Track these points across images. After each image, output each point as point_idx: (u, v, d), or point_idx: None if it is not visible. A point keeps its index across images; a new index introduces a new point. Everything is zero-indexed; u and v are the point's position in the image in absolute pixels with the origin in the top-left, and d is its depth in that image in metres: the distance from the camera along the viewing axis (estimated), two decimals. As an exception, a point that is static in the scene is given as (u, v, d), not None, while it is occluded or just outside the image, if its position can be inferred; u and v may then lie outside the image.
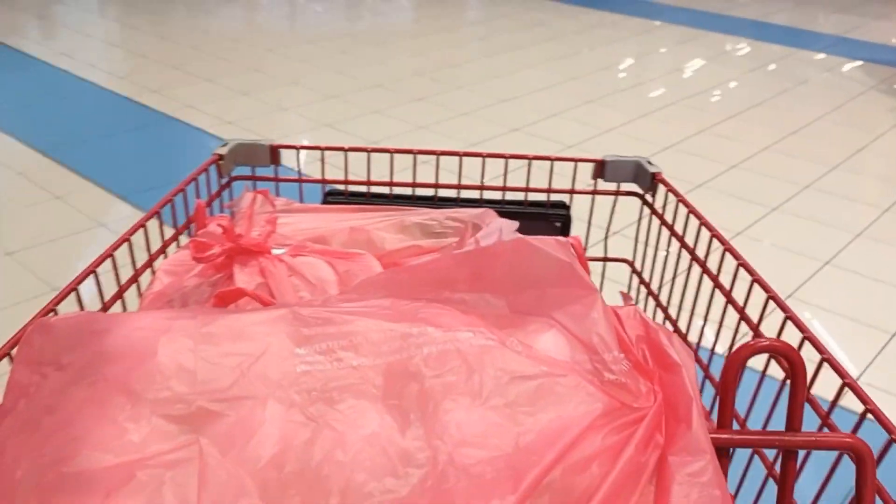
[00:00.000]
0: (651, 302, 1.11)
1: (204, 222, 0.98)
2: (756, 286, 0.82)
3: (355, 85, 3.63)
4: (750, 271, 0.83)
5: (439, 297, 0.51)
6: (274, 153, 1.10)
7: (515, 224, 0.56)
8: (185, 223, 0.98)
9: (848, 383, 0.60)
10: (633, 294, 1.17)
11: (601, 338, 0.50)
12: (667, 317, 1.07)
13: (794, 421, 0.53)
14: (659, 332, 0.53)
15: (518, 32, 4.44)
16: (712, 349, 0.95)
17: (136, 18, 4.50)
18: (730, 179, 2.77)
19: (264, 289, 0.87)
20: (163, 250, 0.93)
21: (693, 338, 1.01)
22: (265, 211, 0.96)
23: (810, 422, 0.69)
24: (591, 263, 1.19)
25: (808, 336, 0.71)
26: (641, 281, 1.14)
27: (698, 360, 0.92)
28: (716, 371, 0.95)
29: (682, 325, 1.04)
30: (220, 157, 1.06)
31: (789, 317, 0.74)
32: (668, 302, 1.07)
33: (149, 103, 3.34)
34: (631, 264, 1.18)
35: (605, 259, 1.19)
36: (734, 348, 0.52)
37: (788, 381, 0.53)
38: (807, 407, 0.60)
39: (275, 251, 0.92)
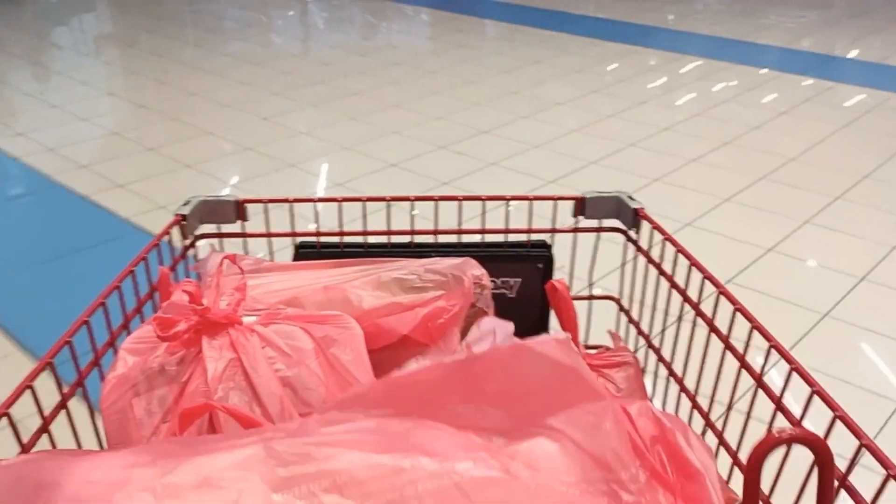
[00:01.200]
0: (641, 340, 1.07)
1: (168, 291, 0.93)
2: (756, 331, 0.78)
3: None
4: (748, 317, 0.79)
5: (432, 411, 0.47)
6: (240, 209, 1.05)
7: (510, 325, 0.52)
8: (147, 294, 0.92)
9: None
10: (621, 332, 1.13)
11: (616, 453, 0.45)
12: (659, 358, 1.03)
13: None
14: (675, 431, 0.48)
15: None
16: (711, 400, 0.91)
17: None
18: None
19: (236, 364, 0.81)
20: (125, 326, 0.87)
21: (690, 382, 0.97)
22: (233, 276, 0.90)
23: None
24: (576, 303, 1.15)
25: (817, 391, 0.67)
26: (630, 319, 1.10)
27: (719, 438, 0.88)
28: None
29: (678, 367, 1.00)
30: (183, 217, 1.00)
31: (795, 368, 0.71)
32: (662, 342, 1.03)
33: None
34: (618, 302, 1.14)
35: (591, 297, 1.15)
36: (762, 439, 0.48)
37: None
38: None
39: (246, 319, 0.86)
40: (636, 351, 1.08)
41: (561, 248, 1.13)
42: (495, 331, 0.50)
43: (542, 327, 1.15)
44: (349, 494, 0.39)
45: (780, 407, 0.73)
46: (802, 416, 0.70)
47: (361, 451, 0.41)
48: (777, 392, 0.74)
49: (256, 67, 4.22)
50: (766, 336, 0.76)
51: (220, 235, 1.06)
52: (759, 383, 0.77)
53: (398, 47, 4.52)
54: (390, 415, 0.47)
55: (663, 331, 1.02)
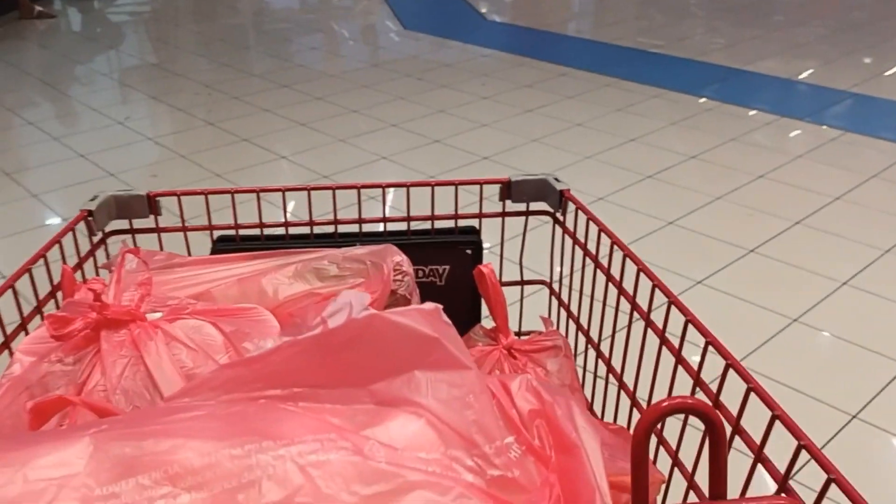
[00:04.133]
0: (573, 325, 1.06)
1: (72, 290, 0.88)
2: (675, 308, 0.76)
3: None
4: (666, 293, 0.77)
5: (287, 392, 0.44)
6: (152, 203, 1.01)
7: (367, 297, 0.49)
8: (48, 293, 0.88)
9: (805, 444, 0.53)
10: (554, 317, 1.11)
11: (480, 427, 0.43)
12: (588, 341, 1.01)
13: (717, 487, 0.47)
14: (555, 405, 0.46)
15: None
16: (636, 378, 0.90)
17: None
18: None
19: (138, 362, 0.77)
20: (22, 327, 0.83)
21: (617, 361, 0.95)
22: (139, 272, 0.86)
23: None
24: (507, 289, 1.13)
25: (732, 364, 0.65)
26: (560, 303, 1.08)
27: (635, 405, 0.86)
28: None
29: (606, 347, 0.98)
30: (89, 212, 0.95)
31: (710, 342, 0.69)
32: (590, 324, 1.01)
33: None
34: (549, 286, 1.12)
35: (523, 282, 1.13)
36: (646, 408, 0.46)
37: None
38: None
39: (150, 316, 0.83)
40: (566, 336, 1.06)
41: (492, 233, 1.11)
42: (352, 303, 0.47)
43: (475, 314, 1.13)
44: (183, 485, 0.36)
45: (697, 382, 0.71)
46: (719, 391, 0.68)
47: (199, 440, 0.38)
48: (695, 367, 0.72)
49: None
50: (682, 310, 0.74)
51: (131, 231, 1.02)
52: (678, 359, 0.75)
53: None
54: (240, 399, 0.44)
55: (591, 313, 1.00)
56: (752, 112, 3.42)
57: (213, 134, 3.28)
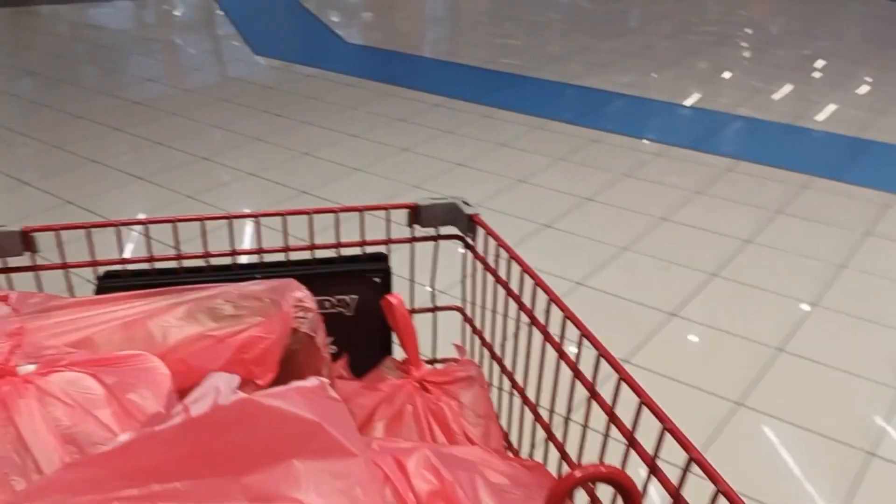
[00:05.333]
0: (486, 352, 1.02)
1: (-68, 341, 0.79)
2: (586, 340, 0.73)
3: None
4: (577, 325, 0.75)
5: (145, 492, 0.38)
6: (27, 239, 0.92)
7: (236, 379, 0.44)
8: None
9: (723, 490, 0.51)
10: (466, 344, 1.07)
11: None
12: (502, 369, 0.98)
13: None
14: (456, 484, 0.42)
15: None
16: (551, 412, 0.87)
17: None
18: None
19: (7, 423, 0.69)
20: None
21: (532, 392, 0.92)
22: (7, 318, 0.78)
23: None
24: (421, 315, 1.09)
25: (646, 402, 0.63)
26: (474, 329, 1.05)
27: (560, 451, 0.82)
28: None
29: (520, 377, 0.95)
30: (-46, 253, 0.86)
31: (623, 378, 0.66)
32: (503, 350, 0.98)
33: None
34: (462, 312, 1.08)
35: (435, 309, 1.09)
36: (560, 479, 0.42)
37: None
38: None
39: (22, 369, 0.75)
40: (482, 362, 1.02)
41: (402, 260, 1.06)
42: (219, 387, 0.42)
43: (387, 344, 1.08)
44: None
45: (612, 418, 0.69)
46: (634, 427, 0.66)
47: None
48: (610, 402, 0.70)
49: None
50: (595, 344, 0.71)
51: (6, 271, 0.93)
52: (592, 393, 0.72)
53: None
54: (96, 499, 0.38)
55: (504, 340, 0.97)
56: (645, 142, 3.27)
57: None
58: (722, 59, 4.53)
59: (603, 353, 0.69)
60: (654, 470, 0.61)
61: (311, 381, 0.43)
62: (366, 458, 0.40)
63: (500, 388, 1.00)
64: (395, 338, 1.04)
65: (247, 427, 0.40)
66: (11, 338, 0.76)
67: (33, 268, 0.94)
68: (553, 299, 0.80)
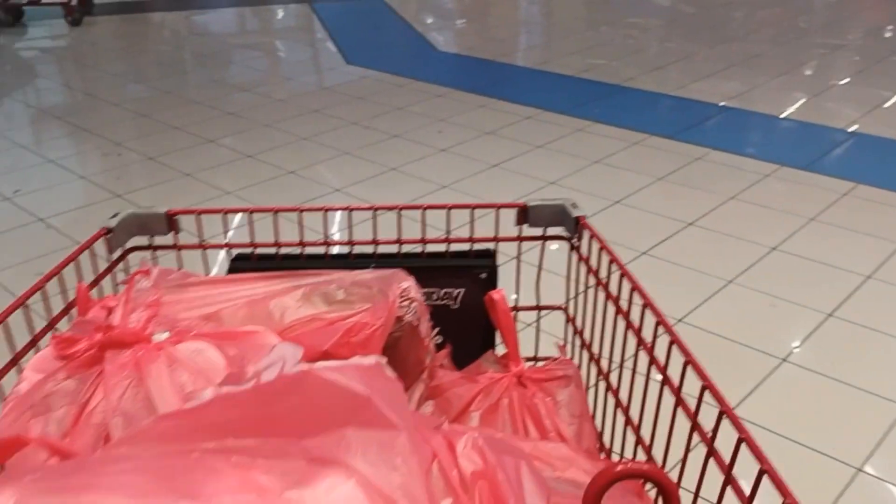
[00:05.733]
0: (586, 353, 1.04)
1: (87, 307, 0.90)
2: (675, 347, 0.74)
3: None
4: (669, 330, 0.75)
5: (220, 445, 0.44)
6: (171, 221, 1.03)
7: (301, 350, 0.48)
8: (61, 310, 0.90)
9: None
10: (567, 344, 1.09)
11: (406, 491, 0.42)
12: (599, 371, 0.99)
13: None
14: (499, 467, 0.45)
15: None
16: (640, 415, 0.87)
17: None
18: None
19: (139, 384, 0.79)
20: (33, 345, 0.85)
21: (624, 394, 0.93)
22: (148, 291, 0.88)
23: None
24: (524, 313, 1.11)
25: (726, 412, 0.63)
26: (575, 330, 1.06)
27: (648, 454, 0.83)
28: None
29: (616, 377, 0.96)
30: (109, 230, 0.98)
31: (707, 386, 0.67)
32: (600, 353, 0.99)
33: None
34: (566, 312, 1.10)
35: (539, 307, 1.12)
36: (597, 473, 0.44)
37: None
38: None
39: (157, 337, 0.84)
40: (581, 362, 1.04)
41: (509, 258, 1.10)
42: (285, 357, 0.47)
43: (489, 338, 1.11)
44: (97, 546, 0.37)
45: (695, 425, 0.69)
46: (714, 435, 0.66)
47: (121, 496, 0.38)
48: (693, 409, 0.70)
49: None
50: (683, 350, 0.72)
51: (150, 248, 1.04)
52: (678, 399, 0.73)
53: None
54: (175, 451, 0.44)
55: (602, 341, 0.98)
56: (752, 160, 2.98)
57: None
58: (835, 69, 4.19)
59: (690, 361, 0.70)
60: (728, 481, 0.61)
61: (369, 359, 0.47)
62: (409, 434, 0.44)
63: (597, 390, 1.01)
64: (497, 333, 1.07)
65: (306, 395, 0.45)
66: (149, 308, 0.85)
67: (175, 247, 1.04)
68: (648, 305, 0.81)
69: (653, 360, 0.79)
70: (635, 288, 0.84)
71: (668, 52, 4.61)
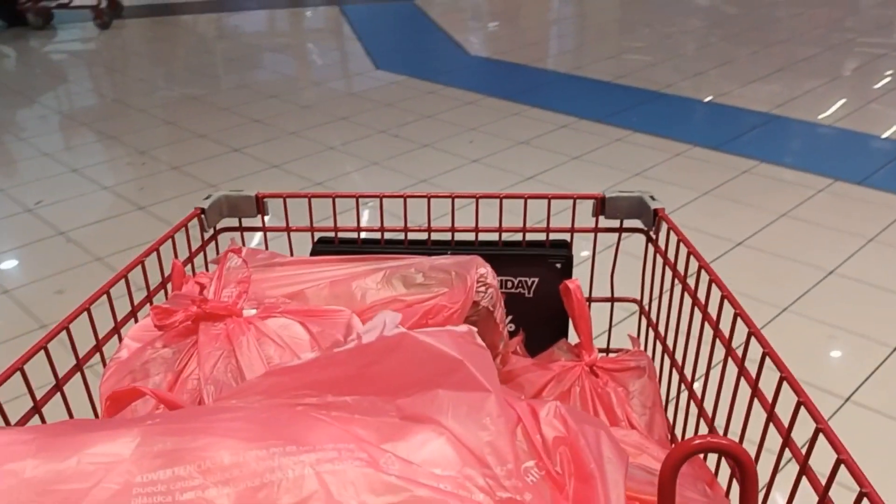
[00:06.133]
0: (660, 346, 1.04)
1: (181, 282, 0.96)
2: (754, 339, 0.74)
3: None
4: (747, 322, 0.75)
5: (321, 401, 0.47)
6: (259, 203, 1.08)
7: (398, 316, 0.51)
8: (159, 284, 0.95)
9: (867, 492, 0.51)
10: (641, 337, 1.10)
11: (494, 448, 0.44)
12: (673, 364, 0.99)
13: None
14: (580, 433, 0.46)
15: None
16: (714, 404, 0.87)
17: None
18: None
19: (230, 355, 0.83)
20: (133, 315, 0.91)
21: (700, 386, 0.93)
22: (239, 269, 0.93)
23: None
24: (597, 304, 1.12)
25: (804, 401, 0.63)
26: (649, 323, 1.07)
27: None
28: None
29: (690, 371, 0.96)
30: (202, 210, 1.03)
31: (785, 377, 0.67)
32: (675, 345, 1.00)
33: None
34: (640, 305, 1.11)
35: (613, 299, 1.12)
36: (674, 446, 0.46)
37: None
38: None
39: (246, 312, 0.88)
40: (654, 355, 1.04)
41: (585, 249, 1.11)
42: (385, 322, 0.50)
43: (562, 328, 1.13)
44: (212, 479, 0.40)
45: (771, 416, 0.69)
46: (790, 428, 0.66)
47: (233, 439, 0.42)
48: (770, 400, 0.70)
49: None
50: (761, 341, 0.72)
51: (240, 229, 1.09)
52: (754, 391, 0.73)
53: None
54: (281, 404, 0.47)
55: (677, 335, 0.98)
56: (804, 174, 2.80)
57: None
58: (887, 74, 3.93)
59: (769, 352, 0.70)
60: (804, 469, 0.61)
61: (462, 327, 0.50)
62: (499, 397, 0.46)
63: (670, 382, 1.02)
64: (570, 322, 1.08)
65: (403, 357, 0.48)
66: (240, 285, 0.90)
67: (262, 228, 1.09)
68: (727, 297, 0.81)
69: (730, 353, 0.79)
70: (715, 281, 0.84)
71: (709, 56, 4.38)
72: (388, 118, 3.63)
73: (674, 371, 0.99)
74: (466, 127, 3.45)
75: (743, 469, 0.45)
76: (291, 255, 1.13)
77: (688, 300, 0.93)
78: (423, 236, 1.10)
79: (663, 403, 0.99)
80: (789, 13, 5.32)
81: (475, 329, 0.51)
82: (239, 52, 4.99)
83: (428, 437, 0.44)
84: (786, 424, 0.67)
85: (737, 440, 0.79)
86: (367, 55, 4.72)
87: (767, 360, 0.70)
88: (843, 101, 3.68)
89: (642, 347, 1.08)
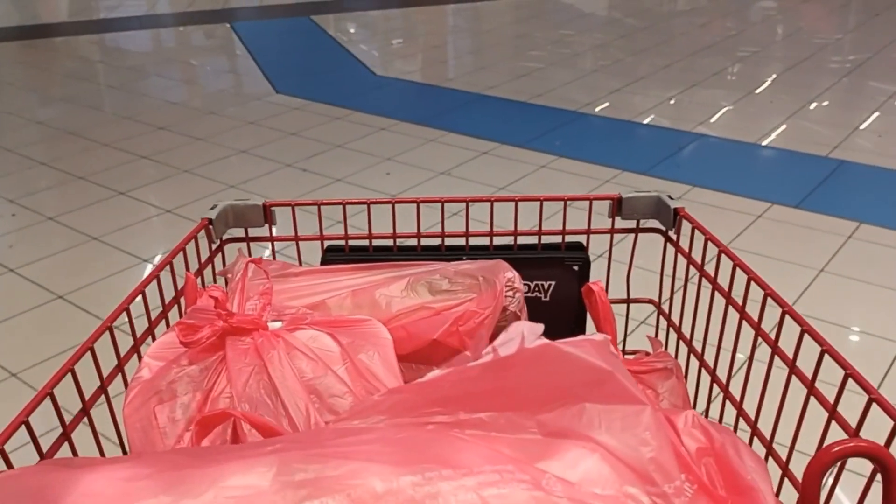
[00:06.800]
0: (683, 347, 1.03)
1: (194, 296, 0.91)
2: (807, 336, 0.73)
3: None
4: (798, 320, 0.75)
5: (453, 419, 0.44)
6: (267, 212, 1.03)
7: (540, 327, 0.48)
8: (173, 299, 0.90)
9: None
10: (661, 337, 1.08)
11: (658, 464, 0.42)
12: (702, 364, 0.98)
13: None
14: (726, 444, 0.44)
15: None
16: (753, 413, 0.86)
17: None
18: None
19: (261, 371, 0.79)
20: (150, 332, 0.86)
21: (733, 387, 0.92)
22: (259, 281, 0.88)
23: None
24: (615, 305, 1.11)
25: (875, 398, 0.62)
26: (670, 323, 1.06)
27: (768, 449, 0.82)
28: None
29: (721, 373, 0.95)
30: (210, 221, 0.98)
31: (850, 374, 0.66)
32: (700, 343, 0.99)
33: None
34: (657, 305, 1.10)
35: (629, 300, 1.11)
36: (815, 453, 0.44)
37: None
38: None
39: (271, 325, 0.84)
40: (675, 356, 1.03)
41: (598, 251, 1.09)
42: (524, 333, 0.47)
43: (579, 331, 1.11)
44: (364, 511, 0.37)
45: (833, 415, 0.68)
46: (859, 426, 0.65)
47: (379, 464, 0.38)
48: (831, 400, 0.69)
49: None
50: (818, 340, 0.71)
51: (247, 240, 1.04)
52: (811, 390, 0.72)
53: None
54: (410, 424, 0.44)
55: (704, 335, 0.97)
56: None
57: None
58: (758, 80, 3.87)
59: (828, 350, 0.69)
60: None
61: (598, 336, 0.47)
62: (653, 409, 0.44)
63: (698, 383, 1.01)
64: (587, 326, 1.07)
65: (546, 369, 0.45)
66: (263, 296, 0.86)
67: (270, 238, 1.05)
68: (770, 294, 0.80)
69: (776, 350, 0.79)
70: (752, 278, 0.84)
71: (623, 72, 4.18)
72: (294, 150, 3.25)
73: (702, 371, 0.98)
74: (381, 157, 3.14)
75: (888, 473, 0.43)
76: (300, 264, 1.09)
77: (708, 298, 0.92)
78: (436, 241, 1.08)
79: (692, 404, 0.98)
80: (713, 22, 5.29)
81: (609, 337, 0.48)
82: (121, 78, 4.42)
83: (580, 455, 0.41)
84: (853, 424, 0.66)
85: (787, 443, 0.79)
86: (264, 77, 4.29)
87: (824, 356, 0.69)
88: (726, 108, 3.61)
89: (663, 349, 1.07)
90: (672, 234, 1.02)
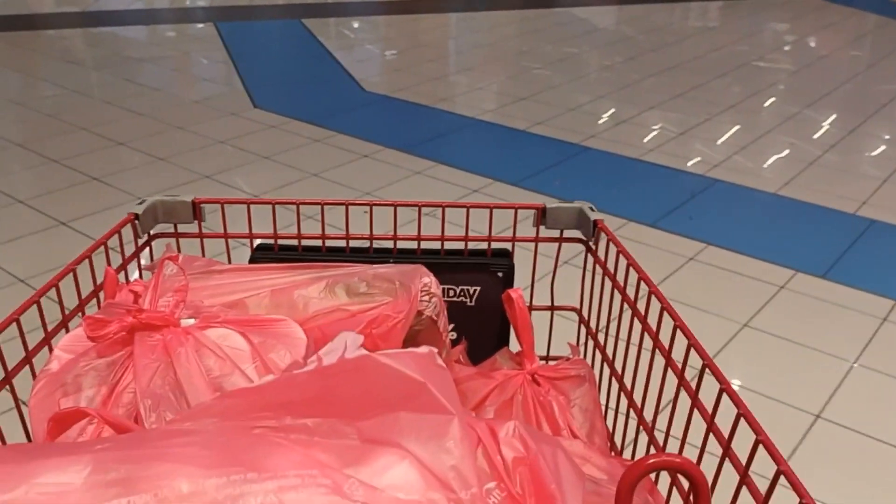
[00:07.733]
0: (599, 354, 1.06)
1: (114, 291, 0.92)
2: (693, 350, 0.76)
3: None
4: (687, 334, 0.77)
5: (280, 424, 0.46)
6: (196, 209, 1.05)
7: (360, 338, 0.50)
8: (90, 293, 0.92)
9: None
10: (580, 345, 1.11)
11: (458, 472, 0.44)
12: (612, 373, 1.01)
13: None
14: (540, 454, 0.47)
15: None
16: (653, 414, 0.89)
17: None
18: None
19: (168, 367, 0.80)
20: (63, 325, 0.87)
21: (639, 395, 0.95)
22: (175, 277, 0.90)
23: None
24: (537, 313, 1.13)
25: (744, 413, 0.65)
26: (588, 331, 1.08)
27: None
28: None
29: (629, 380, 0.98)
30: (136, 215, 1.00)
31: (724, 389, 0.69)
32: (614, 355, 1.01)
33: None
34: (579, 313, 1.12)
35: (553, 308, 1.14)
36: (628, 466, 0.46)
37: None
38: None
39: (184, 322, 0.86)
40: (593, 363, 1.06)
41: (524, 258, 1.12)
42: (346, 344, 0.49)
43: (503, 337, 1.14)
44: (168, 510, 0.39)
45: (710, 427, 0.71)
46: (730, 439, 0.68)
47: (191, 466, 0.40)
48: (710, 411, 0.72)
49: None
50: (700, 354, 0.74)
51: (175, 235, 1.06)
52: (694, 401, 0.75)
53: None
54: (236, 428, 0.46)
55: (616, 344, 1.00)
56: None
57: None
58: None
59: (708, 364, 0.72)
60: (744, 479, 0.63)
61: (423, 349, 0.49)
62: (461, 420, 0.46)
63: (609, 390, 1.03)
64: (511, 331, 1.09)
65: (365, 379, 0.47)
66: (177, 293, 0.87)
67: (199, 235, 1.06)
68: (666, 308, 0.83)
69: (669, 362, 0.81)
70: (653, 291, 0.86)
71: (631, 99, 3.80)
72: (264, 177, 2.92)
73: (613, 379, 1.01)
74: (361, 190, 2.81)
75: (697, 486, 0.46)
76: (229, 262, 1.10)
77: (627, 309, 0.94)
78: (365, 244, 1.09)
79: (603, 411, 1.01)
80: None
81: (436, 350, 0.50)
82: (86, 82, 3.99)
83: (391, 461, 0.43)
84: (726, 434, 0.69)
85: (677, 448, 0.81)
86: (243, 88, 3.93)
87: (708, 369, 0.72)
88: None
89: (581, 356, 1.09)
90: (593, 244, 1.05)
